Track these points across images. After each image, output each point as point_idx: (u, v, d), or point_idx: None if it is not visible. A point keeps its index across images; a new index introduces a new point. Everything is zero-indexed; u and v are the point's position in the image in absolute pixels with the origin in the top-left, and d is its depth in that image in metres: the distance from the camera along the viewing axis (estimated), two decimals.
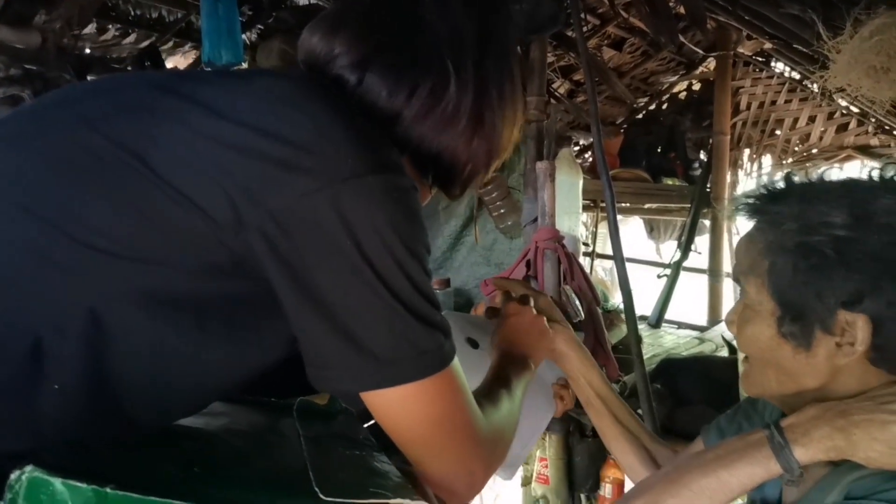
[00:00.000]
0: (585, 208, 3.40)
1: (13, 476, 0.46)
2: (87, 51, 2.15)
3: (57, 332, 0.52)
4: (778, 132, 3.39)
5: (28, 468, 0.46)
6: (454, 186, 0.76)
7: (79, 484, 0.47)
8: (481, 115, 0.70)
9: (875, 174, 0.77)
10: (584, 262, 3.11)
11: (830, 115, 3.22)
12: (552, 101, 3.22)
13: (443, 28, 0.68)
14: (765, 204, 0.81)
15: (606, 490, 1.77)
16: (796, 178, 0.80)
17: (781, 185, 0.81)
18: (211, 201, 0.54)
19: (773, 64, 3.41)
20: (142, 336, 0.55)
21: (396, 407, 0.60)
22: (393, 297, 0.56)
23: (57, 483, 0.47)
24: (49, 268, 0.53)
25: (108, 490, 0.47)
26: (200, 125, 0.56)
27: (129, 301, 0.54)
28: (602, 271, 4.79)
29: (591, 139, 3.85)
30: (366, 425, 1.02)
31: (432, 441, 0.63)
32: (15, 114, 0.65)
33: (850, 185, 0.77)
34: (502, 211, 2.76)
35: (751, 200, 0.82)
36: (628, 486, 1.58)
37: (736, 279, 0.85)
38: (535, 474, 1.99)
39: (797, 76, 3.30)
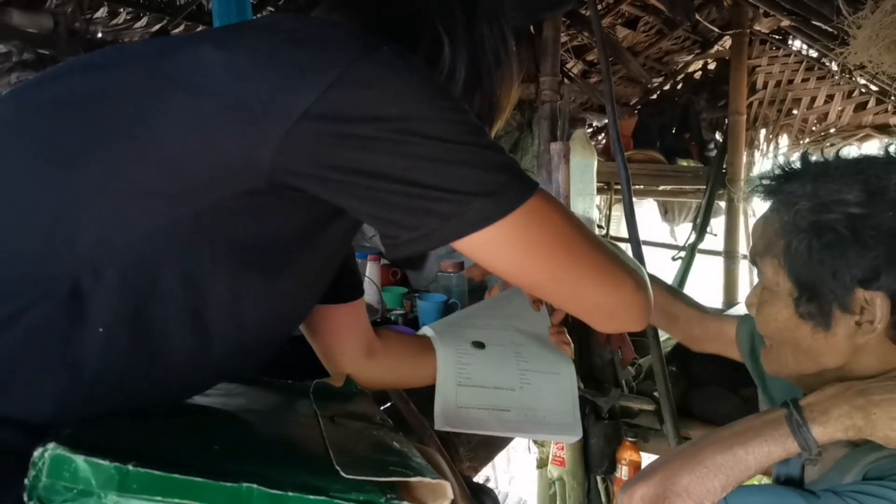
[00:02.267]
0: (599, 191, 3.37)
1: (36, 453, 0.47)
2: (99, 35, 2.15)
3: (95, 273, 0.53)
4: (795, 111, 3.34)
5: (50, 445, 0.47)
6: None
7: (101, 461, 0.47)
8: (478, 74, 0.71)
9: (891, 149, 0.76)
10: None
11: (849, 94, 3.17)
12: (566, 81, 3.18)
13: None
14: (779, 184, 0.80)
15: (622, 472, 1.77)
16: (812, 158, 0.80)
17: (797, 164, 0.80)
18: (236, 127, 0.53)
19: (790, 42, 3.35)
20: (177, 271, 0.56)
21: (517, 237, 0.58)
22: (458, 143, 0.55)
23: (79, 460, 0.47)
24: (79, 212, 0.54)
25: (129, 467, 0.48)
26: (214, 58, 0.57)
27: (163, 237, 0.55)
28: None
29: (604, 121, 3.82)
30: (382, 407, 1.03)
31: (567, 262, 0.61)
32: (27, 80, 0.66)
33: (864, 161, 0.76)
34: None
35: (766, 181, 0.82)
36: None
37: (753, 261, 0.85)
38: (550, 456, 2.00)
39: (815, 54, 3.24)
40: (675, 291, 1.20)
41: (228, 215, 0.56)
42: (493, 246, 0.58)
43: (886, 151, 0.76)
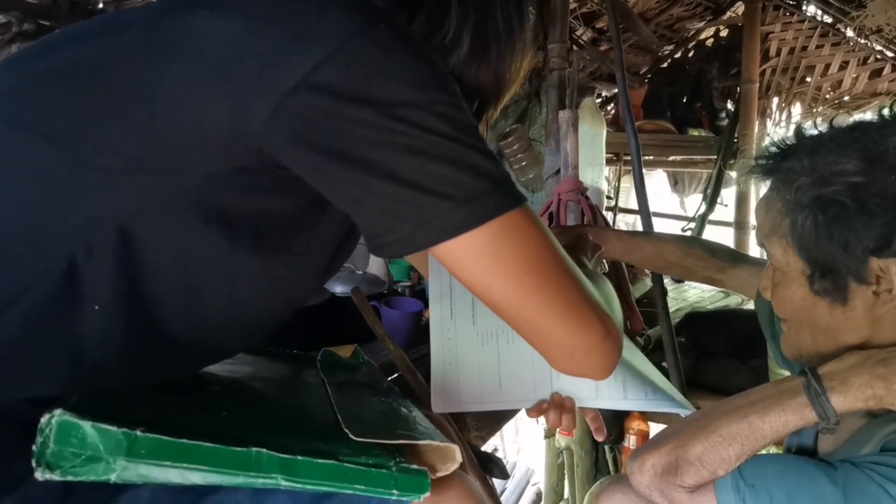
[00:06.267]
0: (608, 161, 3.34)
1: (43, 420, 0.47)
2: (101, 5, 2.13)
3: (88, 252, 0.53)
4: (809, 79, 3.28)
5: (57, 412, 0.47)
6: None
7: (109, 427, 0.47)
8: (486, 44, 0.67)
9: (885, 112, 0.74)
10: (608, 216, 3.07)
11: (864, 60, 3.10)
12: (574, 48, 3.13)
13: None
14: (776, 162, 0.78)
15: (631, 441, 1.77)
16: (806, 131, 0.78)
17: (791, 139, 0.78)
18: (227, 100, 0.52)
19: (804, 7, 3.28)
20: (170, 248, 0.55)
21: (484, 250, 0.55)
22: (443, 137, 0.53)
23: (87, 426, 0.47)
24: (69, 190, 0.53)
25: (137, 433, 0.48)
26: (208, 26, 0.54)
27: (154, 214, 0.54)
28: (625, 226, 4.73)
29: (614, 90, 3.76)
30: (389, 378, 1.03)
31: (532, 289, 0.58)
32: (22, 50, 0.64)
33: (859, 129, 0.74)
34: (524, 163, 2.71)
35: (762, 161, 0.80)
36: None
37: (761, 244, 0.83)
38: None
39: (829, 20, 3.17)
40: (689, 245, 1.20)
41: (219, 192, 0.55)
42: (459, 254, 0.55)
43: (880, 115, 0.74)
